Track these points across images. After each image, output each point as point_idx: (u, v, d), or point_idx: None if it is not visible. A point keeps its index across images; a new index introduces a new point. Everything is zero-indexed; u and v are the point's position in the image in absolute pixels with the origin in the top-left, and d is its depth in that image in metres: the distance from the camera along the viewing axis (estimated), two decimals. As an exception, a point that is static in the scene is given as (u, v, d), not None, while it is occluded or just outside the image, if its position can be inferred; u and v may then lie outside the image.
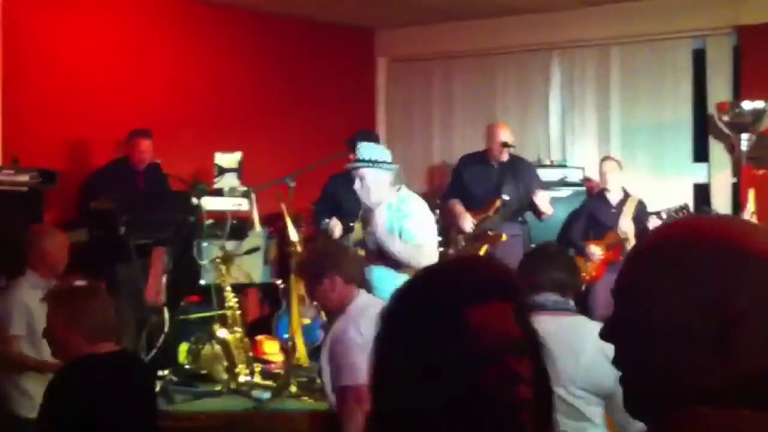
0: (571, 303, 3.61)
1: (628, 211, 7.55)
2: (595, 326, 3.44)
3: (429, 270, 1.56)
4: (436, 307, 1.42)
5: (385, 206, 5.19)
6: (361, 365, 3.71)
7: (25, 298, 5.04)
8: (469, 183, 7.62)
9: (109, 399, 3.55)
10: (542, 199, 7.24)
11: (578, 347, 3.33)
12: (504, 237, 7.18)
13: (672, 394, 1.20)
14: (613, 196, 7.68)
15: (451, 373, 1.38)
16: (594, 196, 8.02)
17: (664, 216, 7.18)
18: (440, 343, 1.40)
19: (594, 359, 3.32)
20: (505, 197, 7.28)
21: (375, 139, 7.54)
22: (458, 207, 7.53)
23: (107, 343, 3.63)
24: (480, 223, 7.40)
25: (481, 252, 7.36)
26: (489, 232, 7.28)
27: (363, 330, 3.82)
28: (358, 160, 5.28)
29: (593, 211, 7.76)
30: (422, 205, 5.34)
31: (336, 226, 6.85)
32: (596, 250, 7.53)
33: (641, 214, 7.52)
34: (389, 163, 5.30)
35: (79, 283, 3.97)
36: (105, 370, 3.59)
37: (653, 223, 7.19)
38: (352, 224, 6.74)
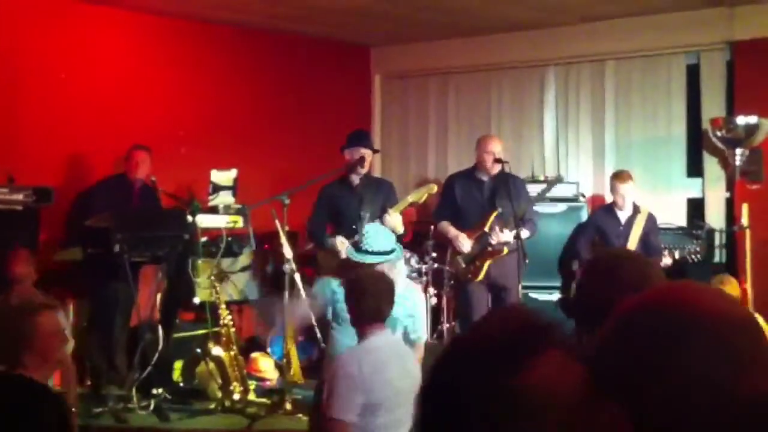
0: None
1: (638, 228, 7.34)
2: None
3: (460, 340, 1.26)
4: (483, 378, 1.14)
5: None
6: (350, 401, 3.83)
7: None
8: (461, 201, 7.47)
9: None
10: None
11: None
12: (505, 251, 7.11)
13: None
14: (623, 213, 7.44)
15: None
16: (602, 209, 7.82)
17: (677, 256, 7.00)
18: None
19: None
20: (499, 210, 7.19)
21: (366, 136, 7.44)
22: (451, 230, 7.34)
23: None
24: (478, 240, 7.31)
25: (485, 268, 7.26)
26: (489, 248, 7.21)
27: (364, 368, 3.90)
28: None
29: (601, 225, 7.54)
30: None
31: (342, 245, 6.56)
32: None
33: (651, 230, 7.35)
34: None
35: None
36: None
37: (666, 262, 6.99)
38: (354, 227, 6.67)
